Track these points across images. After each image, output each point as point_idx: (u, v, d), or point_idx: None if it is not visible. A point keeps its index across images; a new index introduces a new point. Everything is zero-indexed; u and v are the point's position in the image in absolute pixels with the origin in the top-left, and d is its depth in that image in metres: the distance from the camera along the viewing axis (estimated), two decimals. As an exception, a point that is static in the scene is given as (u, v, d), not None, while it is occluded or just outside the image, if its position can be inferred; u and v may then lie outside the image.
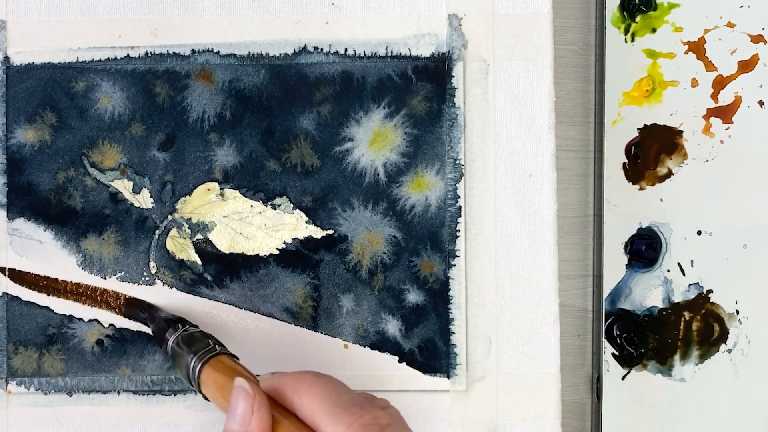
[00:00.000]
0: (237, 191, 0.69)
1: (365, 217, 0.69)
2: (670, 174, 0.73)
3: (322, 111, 0.69)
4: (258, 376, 0.60)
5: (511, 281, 0.68)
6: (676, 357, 0.73)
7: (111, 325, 0.68)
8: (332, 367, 0.68)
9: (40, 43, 0.68)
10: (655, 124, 0.73)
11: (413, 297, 0.68)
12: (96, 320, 0.68)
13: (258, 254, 0.69)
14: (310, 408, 0.55)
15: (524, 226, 0.68)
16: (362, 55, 0.68)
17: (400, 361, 0.68)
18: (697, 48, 0.72)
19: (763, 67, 0.72)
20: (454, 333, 0.68)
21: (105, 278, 0.68)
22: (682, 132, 0.73)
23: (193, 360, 0.61)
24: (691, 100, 0.73)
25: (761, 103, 0.72)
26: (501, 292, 0.68)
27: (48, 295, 0.68)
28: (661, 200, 0.73)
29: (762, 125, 0.72)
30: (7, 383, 0.68)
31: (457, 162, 0.68)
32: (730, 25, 0.72)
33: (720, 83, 0.73)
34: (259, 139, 0.69)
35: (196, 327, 0.65)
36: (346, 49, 0.68)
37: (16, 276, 0.68)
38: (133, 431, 0.68)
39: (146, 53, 0.68)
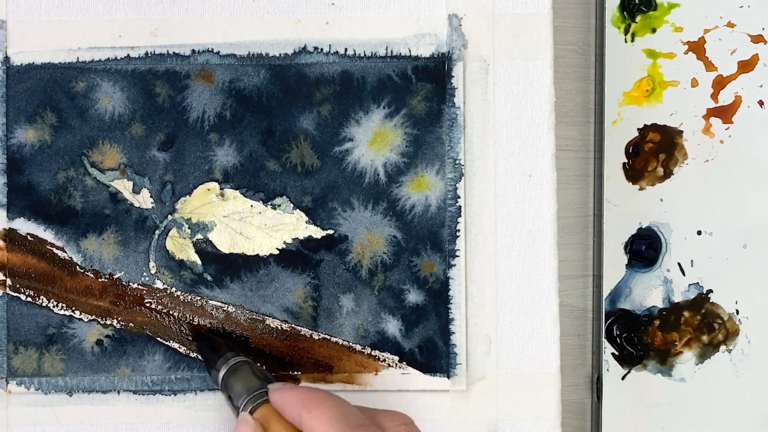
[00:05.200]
0: (237, 191, 0.69)
1: (365, 217, 0.69)
2: (670, 174, 0.73)
3: (322, 111, 0.69)
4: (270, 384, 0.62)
5: (511, 281, 0.68)
6: (676, 357, 0.73)
7: (111, 325, 0.68)
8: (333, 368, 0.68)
9: (40, 43, 0.68)
10: (655, 124, 0.73)
11: (413, 297, 0.68)
12: (96, 320, 0.68)
13: (258, 254, 0.69)
14: (318, 426, 0.55)
15: (524, 226, 0.68)
16: (362, 55, 0.68)
17: (400, 361, 0.68)
18: (697, 48, 0.72)
19: (763, 67, 0.72)
20: (454, 333, 0.68)
21: (104, 278, 0.68)
22: (682, 132, 0.73)
23: (244, 401, 0.61)
24: (691, 100, 0.73)
25: (761, 103, 0.72)
26: (501, 292, 0.68)
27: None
28: (661, 200, 0.73)
29: (762, 125, 0.72)
30: (7, 383, 0.68)
31: (457, 162, 0.68)
32: (730, 25, 0.72)
33: (720, 83, 0.73)
34: (259, 139, 0.69)
35: (244, 357, 0.65)
36: (346, 49, 0.68)
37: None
38: (133, 431, 0.68)
39: (146, 53, 0.68)
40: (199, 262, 0.69)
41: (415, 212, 0.69)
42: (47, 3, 0.68)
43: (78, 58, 0.68)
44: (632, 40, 0.72)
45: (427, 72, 0.68)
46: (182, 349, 0.68)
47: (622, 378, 0.73)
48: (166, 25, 0.69)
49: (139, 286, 0.69)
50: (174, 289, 0.69)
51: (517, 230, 0.68)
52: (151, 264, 0.69)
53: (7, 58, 0.68)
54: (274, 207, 0.69)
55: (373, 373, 0.68)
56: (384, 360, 0.68)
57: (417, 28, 0.68)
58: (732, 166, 0.72)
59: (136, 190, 0.69)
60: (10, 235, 0.68)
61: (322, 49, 0.68)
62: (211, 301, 0.69)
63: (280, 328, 0.68)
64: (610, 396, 0.72)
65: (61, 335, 0.68)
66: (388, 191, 0.69)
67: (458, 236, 0.68)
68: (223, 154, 0.69)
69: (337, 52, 0.68)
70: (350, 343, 0.68)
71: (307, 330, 0.68)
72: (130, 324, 0.68)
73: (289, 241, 0.69)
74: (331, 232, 0.69)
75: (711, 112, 0.73)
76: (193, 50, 0.69)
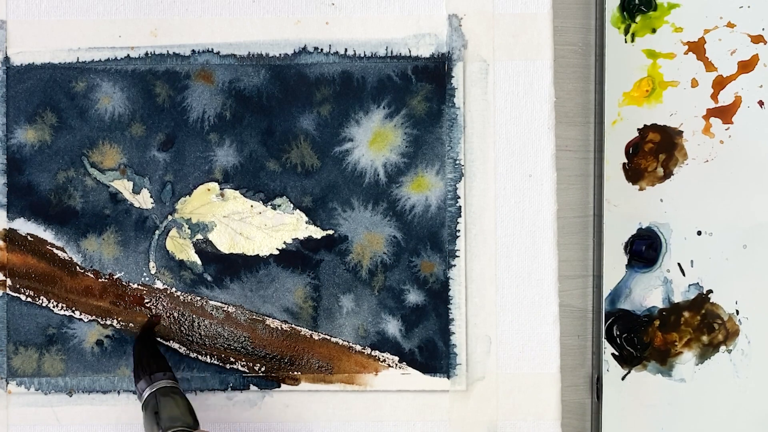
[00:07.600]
0: (237, 191, 0.69)
1: (365, 217, 0.69)
2: (670, 174, 0.73)
3: (322, 111, 0.69)
4: None
5: (511, 281, 0.68)
6: (676, 357, 0.73)
7: (111, 325, 0.68)
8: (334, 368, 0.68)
9: (40, 43, 0.68)
10: (655, 124, 0.73)
11: (413, 297, 0.68)
12: (96, 320, 0.68)
13: (258, 254, 0.69)
14: None
15: (524, 226, 0.68)
16: (362, 55, 0.68)
17: (400, 361, 0.68)
18: (697, 48, 0.72)
19: (763, 67, 0.72)
20: (454, 333, 0.68)
21: (104, 278, 0.68)
22: (682, 132, 0.73)
23: None
24: (691, 100, 0.73)
25: (761, 103, 0.72)
26: (501, 292, 0.68)
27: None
28: (661, 200, 0.73)
29: (762, 125, 0.72)
30: (7, 383, 0.68)
31: (457, 162, 0.68)
32: (730, 25, 0.72)
33: (720, 83, 0.73)
34: (259, 139, 0.69)
35: (171, 381, 0.64)
36: (346, 50, 0.68)
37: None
38: (133, 431, 0.68)
39: (146, 53, 0.68)
40: (199, 262, 0.69)
41: (415, 212, 0.69)
42: (47, 3, 0.68)
43: (78, 58, 0.68)
44: (632, 41, 0.72)
45: (427, 72, 0.68)
46: (182, 350, 0.68)
47: (622, 378, 0.73)
48: (166, 25, 0.68)
49: (139, 287, 0.69)
50: (174, 289, 0.69)
51: (517, 230, 0.68)
52: (151, 264, 0.69)
53: (7, 58, 0.68)
54: (274, 207, 0.69)
55: (373, 374, 0.68)
56: (384, 360, 0.68)
57: (417, 28, 0.68)
58: (732, 166, 0.72)
59: (136, 191, 0.69)
60: (10, 235, 0.68)
61: (322, 50, 0.68)
62: (211, 302, 0.69)
63: (280, 328, 0.68)
64: (610, 396, 0.72)
65: (61, 335, 0.68)
66: (388, 191, 0.69)
67: (458, 236, 0.68)
68: (223, 154, 0.69)
69: (337, 53, 0.68)
70: (350, 344, 0.68)
71: (307, 330, 0.68)
72: (130, 324, 0.68)
73: (289, 241, 0.69)
74: (331, 232, 0.69)
75: (711, 113, 0.73)
76: (193, 50, 0.69)
